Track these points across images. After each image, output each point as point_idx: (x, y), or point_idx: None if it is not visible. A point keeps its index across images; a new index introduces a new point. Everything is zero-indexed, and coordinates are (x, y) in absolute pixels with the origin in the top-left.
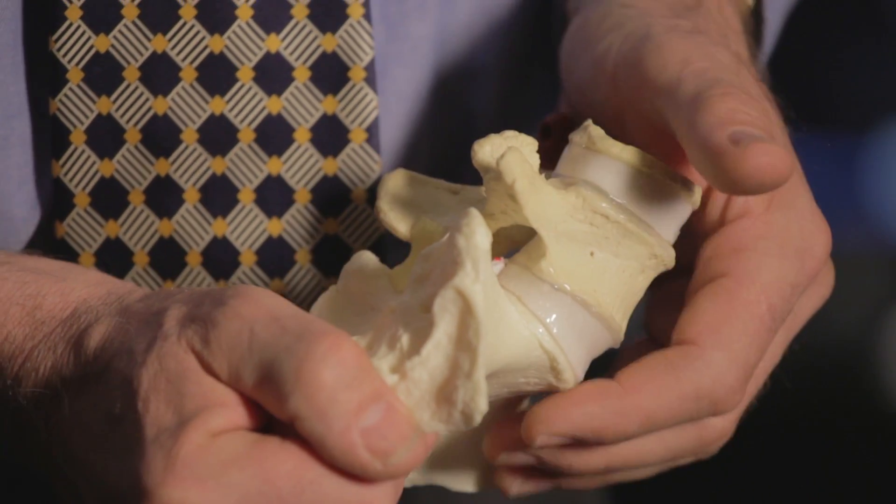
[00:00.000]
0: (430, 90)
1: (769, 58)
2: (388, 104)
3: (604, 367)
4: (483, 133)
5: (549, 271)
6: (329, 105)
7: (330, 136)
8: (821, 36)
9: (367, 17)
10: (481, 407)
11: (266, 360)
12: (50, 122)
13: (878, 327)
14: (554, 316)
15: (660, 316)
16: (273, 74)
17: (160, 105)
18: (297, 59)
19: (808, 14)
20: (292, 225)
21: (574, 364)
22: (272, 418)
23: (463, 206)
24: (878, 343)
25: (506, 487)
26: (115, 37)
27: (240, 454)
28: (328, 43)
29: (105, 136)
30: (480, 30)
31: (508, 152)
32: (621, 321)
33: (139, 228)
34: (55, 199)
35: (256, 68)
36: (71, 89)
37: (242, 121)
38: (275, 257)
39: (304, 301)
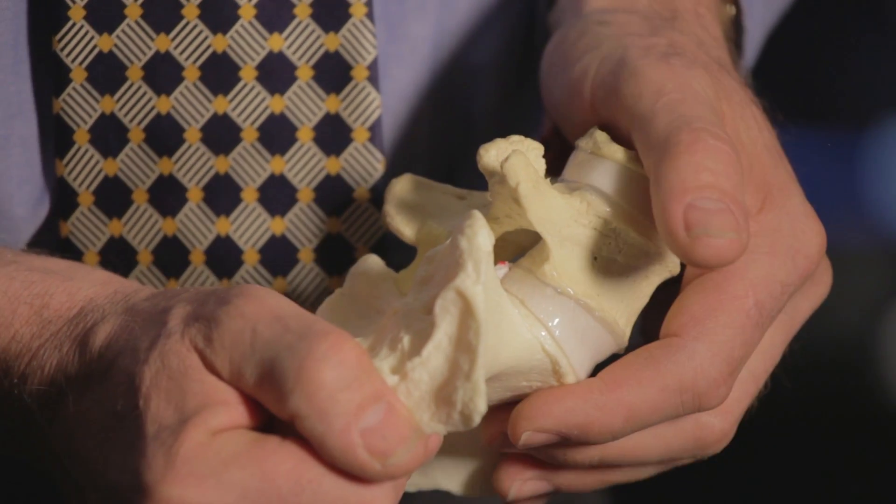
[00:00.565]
0: (430, 90)
1: (768, 58)
2: (388, 104)
3: None
4: (483, 133)
5: (553, 275)
6: (332, 104)
7: (333, 135)
8: (821, 32)
9: (370, 16)
10: (480, 408)
11: (268, 358)
12: (53, 122)
13: (877, 325)
14: (557, 319)
15: (656, 320)
16: (276, 73)
17: (163, 104)
18: (299, 58)
19: (808, 11)
20: (295, 224)
21: (577, 367)
22: (273, 417)
23: (469, 210)
24: (878, 341)
25: (504, 491)
26: (118, 36)
27: (240, 452)
28: (331, 42)
29: (108, 136)
30: (480, 30)
31: (513, 155)
32: (625, 326)
33: (143, 227)
34: (59, 199)
35: (259, 67)
36: (74, 89)
37: (245, 120)
38: (278, 256)
39: (307, 300)
